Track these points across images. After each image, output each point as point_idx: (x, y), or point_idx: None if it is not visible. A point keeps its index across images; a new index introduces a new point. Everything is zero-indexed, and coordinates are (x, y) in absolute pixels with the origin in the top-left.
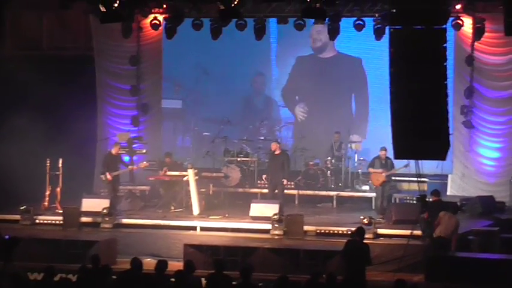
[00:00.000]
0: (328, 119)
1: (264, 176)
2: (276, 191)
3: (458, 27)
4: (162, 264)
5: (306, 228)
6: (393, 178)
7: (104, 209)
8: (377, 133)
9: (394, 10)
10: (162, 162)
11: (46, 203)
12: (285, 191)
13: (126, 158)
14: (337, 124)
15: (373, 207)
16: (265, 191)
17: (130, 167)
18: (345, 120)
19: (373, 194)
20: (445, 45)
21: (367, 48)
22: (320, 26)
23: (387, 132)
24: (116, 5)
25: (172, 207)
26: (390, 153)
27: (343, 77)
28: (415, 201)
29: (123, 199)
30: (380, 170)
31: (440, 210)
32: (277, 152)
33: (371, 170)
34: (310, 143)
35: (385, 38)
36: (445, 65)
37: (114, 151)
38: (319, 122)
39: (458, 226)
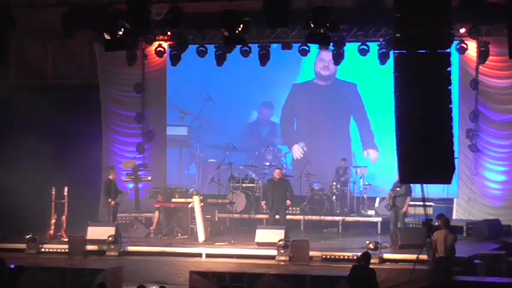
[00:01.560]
0: (328, 144)
1: (263, 202)
2: (278, 216)
3: (462, 51)
4: None
5: (311, 253)
6: None
7: (109, 236)
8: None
9: (398, 35)
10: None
11: (52, 232)
12: (291, 217)
13: (130, 185)
14: (339, 149)
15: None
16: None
17: (124, 193)
18: (344, 146)
19: (379, 219)
20: (449, 69)
21: (363, 73)
22: (329, 55)
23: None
24: (120, 32)
25: (179, 234)
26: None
27: (340, 102)
28: (421, 226)
29: (128, 227)
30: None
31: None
32: (279, 178)
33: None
34: (316, 168)
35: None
36: (450, 89)
37: (111, 177)
38: (321, 149)
39: (453, 239)
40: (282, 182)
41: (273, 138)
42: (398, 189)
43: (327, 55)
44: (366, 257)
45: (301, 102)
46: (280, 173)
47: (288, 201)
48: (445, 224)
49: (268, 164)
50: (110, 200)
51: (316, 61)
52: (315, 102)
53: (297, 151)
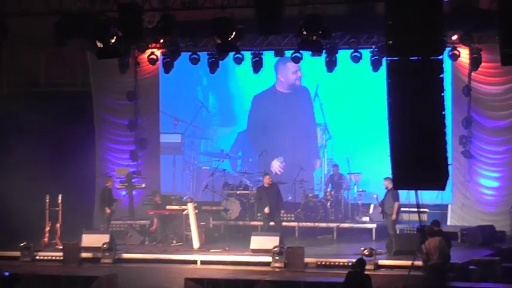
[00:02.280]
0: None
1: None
2: (272, 223)
3: (455, 57)
4: None
5: (306, 260)
6: None
7: (104, 244)
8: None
9: (391, 41)
10: (153, 203)
11: (46, 239)
12: (286, 224)
13: (123, 193)
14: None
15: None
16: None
17: (118, 200)
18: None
19: (374, 225)
20: (442, 75)
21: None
22: (296, 66)
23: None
24: (112, 40)
25: (174, 242)
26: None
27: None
28: (415, 232)
29: (123, 234)
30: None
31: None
32: (269, 184)
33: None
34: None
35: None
36: (443, 96)
37: (108, 185)
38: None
39: (442, 243)
40: (273, 188)
41: (265, 146)
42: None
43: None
44: (360, 263)
45: (265, 111)
46: (270, 179)
47: (267, 209)
48: (429, 231)
49: (262, 171)
50: (106, 208)
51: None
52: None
53: (276, 167)
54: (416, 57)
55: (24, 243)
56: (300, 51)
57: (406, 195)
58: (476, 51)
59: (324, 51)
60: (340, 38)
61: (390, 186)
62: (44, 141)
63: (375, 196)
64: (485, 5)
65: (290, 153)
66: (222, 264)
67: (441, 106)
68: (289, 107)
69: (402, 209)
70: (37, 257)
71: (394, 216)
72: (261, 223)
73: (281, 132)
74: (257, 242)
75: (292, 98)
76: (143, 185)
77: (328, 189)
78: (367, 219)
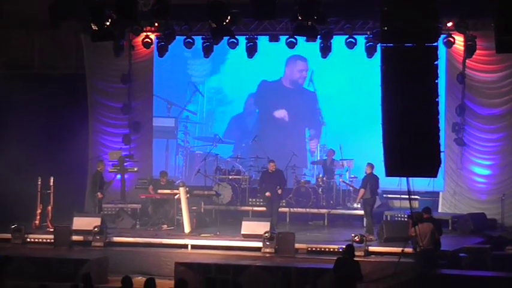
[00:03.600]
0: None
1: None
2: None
3: (449, 44)
4: (150, 282)
5: (297, 246)
6: (384, 196)
7: (95, 227)
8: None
9: (386, 28)
10: (156, 181)
11: (37, 222)
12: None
13: (118, 177)
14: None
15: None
16: (258, 208)
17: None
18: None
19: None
20: (436, 62)
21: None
22: (302, 65)
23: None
24: (107, 23)
25: (165, 226)
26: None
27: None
28: (406, 219)
29: (114, 217)
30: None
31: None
32: (273, 170)
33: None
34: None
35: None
36: (437, 83)
37: (99, 169)
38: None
39: (432, 229)
40: (276, 174)
41: (258, 131)
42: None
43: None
44: (349, 249)
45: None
46: (274, 166)
47: (279, 190)
48: (418, 217)
49: (255, 156)
50: (98, 193)
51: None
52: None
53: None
54: (410, 44)
55: (15, 225)
56: (295, 36)
57: (397, 182)
58: (471, 38)
59: (318, 36)
60: (335, 23)
61: (369, 171)
62: (37, 123)
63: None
64: None
65: (281, 139)
66: (213, 249)
67: (435, 93)
68: (290, 102)
69: (393, 195)
70: (28, 240)
71: (358, 200)
72: (252, 208)
73: (277, 122)
74: (248, 227)
75: (294, 95)
76: (135, 169)
77: (320, 175)
78: (358, 205)
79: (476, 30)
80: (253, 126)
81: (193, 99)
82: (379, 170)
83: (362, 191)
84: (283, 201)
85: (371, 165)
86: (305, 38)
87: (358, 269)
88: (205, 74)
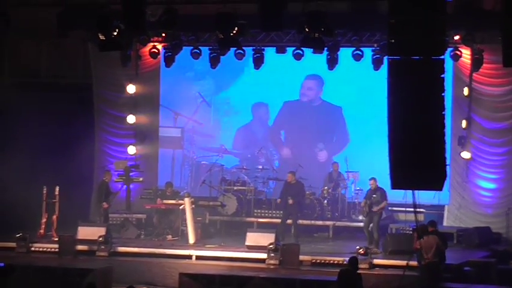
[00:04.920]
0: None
1: (278, 200)
2: (289, 221)
3: (456, 57)
4: None
5: (301, 257)
6: (390, 208)
7: (99, 237)
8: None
9: (393, 40)
10: (162, 192)
11: (42, 231)
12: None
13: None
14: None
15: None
16: (263, 220)
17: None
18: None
19: (370, 224)
20: (443, 75)
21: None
22: (311, 83)
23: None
24: (114, 33)
25: (170, 236)
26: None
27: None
28: (411, 232)
29: (118, 227)
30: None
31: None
32: (292, 182)
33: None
34: (307, 172)
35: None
36: (443, 96)
37: (106, 179)
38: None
39: (438, 242)
40: (296, 186)
41: (266, 142)
42: (374, 195)
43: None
44: (352, 261)
45: (290, 118)
46: (292, 177)
47: (290, 200)
48: (423, 230)
49: (260, 167)
50: (103, 203)
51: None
52: (302, 120)
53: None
54: (418, 57)
55: (20, 234)
56: (302, 48)
57: (403, 195)
58: (478, 51)
59: (325, 48)
60: (342, 35)
61: (374, 186)
62: (44, 132)
63: (373, 195)
64: (488, 6)
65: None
66: (217, 260)
67: (441, 106)
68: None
69: (399, 208)
70: (32, 249)
71: (377, 209)
72: (257, 219)
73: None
74: (252, 238)
75: (318, 111)
76: (141, 179)
77: (325, 187)
78: (363, 218)
79: (483, 44)
80: (262, 136)
81: (200, 109)
82: (385, 182)
83: (384, 203)
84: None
85: (375, 179)
86: (312, 49)
87: (360, 282)
88: (211, 83)
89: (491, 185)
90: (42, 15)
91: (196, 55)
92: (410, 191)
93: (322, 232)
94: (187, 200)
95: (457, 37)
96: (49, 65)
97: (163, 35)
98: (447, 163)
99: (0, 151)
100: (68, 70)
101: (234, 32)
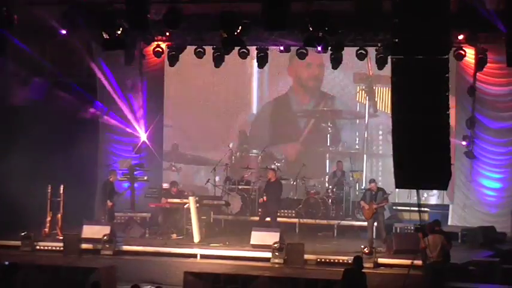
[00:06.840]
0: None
1: (260, 200)
2: (268, 219)
3: (460, 57)
4: None
5: (306, 257)
6: (394, 208)
7: (104, 235)
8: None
9: (396, 40)
10: (166, 192)
11: (47, 229)
12: (286, 220)
13: (125, 185)
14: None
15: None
16: (267, 219)
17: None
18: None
19: (375, 223)
20: (447, 75)
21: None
22: None
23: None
24: (119, 32)
25: (174, 235)
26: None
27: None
28: (414, 231)
29: (123, 226)
30: (367, 204)
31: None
32: (272, 180)
33: (361, 203)
34: (311, 171)
35: None
36: (447, 95)
37: (111, 179)
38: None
39: (443, 241)
40: (275, 184)
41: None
42: (384, 196)
43: None
44: (357, 260)
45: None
46: (273, 175)
47: (263, 198)
48: (429, 228)
49: (264, 166)
50: (108, 202)
51: None
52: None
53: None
54: (421, 56)
55: (25, 232)
56: (306, 47)
57: (407, 194)
58: (482, 51)
59: (329, 47)
60: (346, 35)
61: (375, 188)
62: (48, 130)
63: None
64: (492, 6)
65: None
66: (222, 259)
67: (446, 105)
68: None
69: (403, 207)
70: (37, 247)
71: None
72: None
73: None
74: (257, 237)
75: None
76: (145, 178)
77: (330, 187)
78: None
79: (487, 44)
80: (266, 135)
81: (204, 106)
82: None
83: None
84: (293, 211)
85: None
86: (316, 48)
87: (364, 281)
88: (215, 82)
89: (496, 185)
90: (46, 14)
91: (200, 54)
92: (415, 191)
93: (327, 231)
94: (191, 199)
95: (461, 37)
96: (53, 64)
97: (167, 34)
98: (451, 163)
99: (4, 150)
100: (71, 69)
101: (238, 31)
